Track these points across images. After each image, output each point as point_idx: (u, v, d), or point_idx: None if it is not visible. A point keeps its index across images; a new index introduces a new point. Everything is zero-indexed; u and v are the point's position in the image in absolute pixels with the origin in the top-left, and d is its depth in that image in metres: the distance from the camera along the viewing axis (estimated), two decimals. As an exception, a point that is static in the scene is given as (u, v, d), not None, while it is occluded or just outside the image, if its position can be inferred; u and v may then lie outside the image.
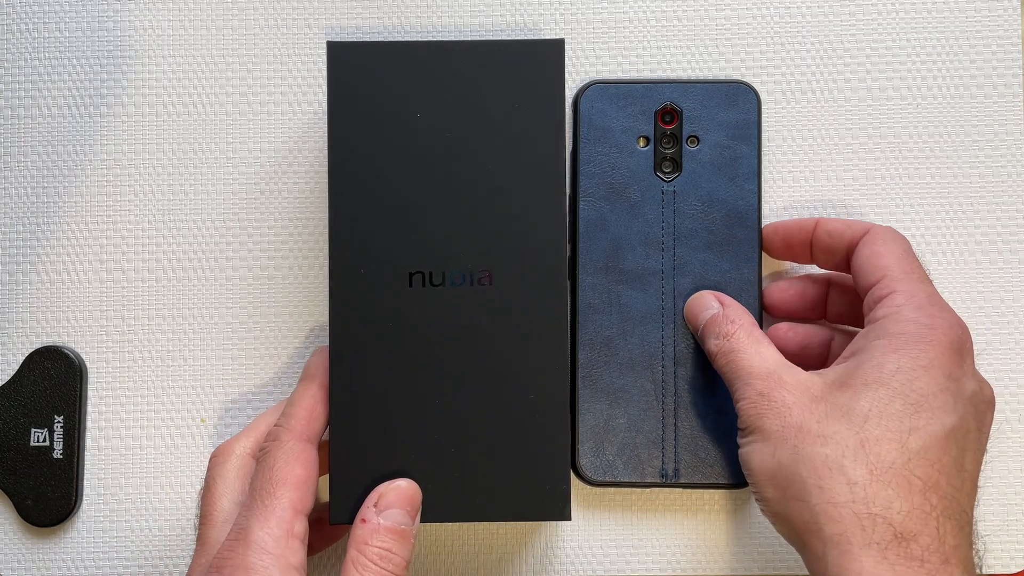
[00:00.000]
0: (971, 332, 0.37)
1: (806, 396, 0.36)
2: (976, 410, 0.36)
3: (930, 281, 0.38)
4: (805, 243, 0.42)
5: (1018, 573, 0.44)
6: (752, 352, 0.38)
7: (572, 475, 0.42)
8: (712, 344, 0.40)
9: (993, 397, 0.37)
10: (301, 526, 0.36)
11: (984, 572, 0.43)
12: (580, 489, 0.44)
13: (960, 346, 0.36)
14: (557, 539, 0.44)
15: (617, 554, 0.44)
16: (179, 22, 0.46)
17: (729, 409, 0.42)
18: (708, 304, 0.41)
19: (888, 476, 0.33)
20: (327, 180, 0.38)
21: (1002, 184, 0.45)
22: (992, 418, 0.37)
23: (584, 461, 0.42)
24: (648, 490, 0.44)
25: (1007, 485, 0.44)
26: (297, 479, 0.36)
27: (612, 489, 0.44)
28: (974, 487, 0.35)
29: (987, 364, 0.44)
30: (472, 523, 0.44)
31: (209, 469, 0.39)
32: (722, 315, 0.40)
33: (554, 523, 0.44)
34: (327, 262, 0.38)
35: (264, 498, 0.35)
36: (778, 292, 0.43)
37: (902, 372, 0.35)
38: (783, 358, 0.38)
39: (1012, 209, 0.45)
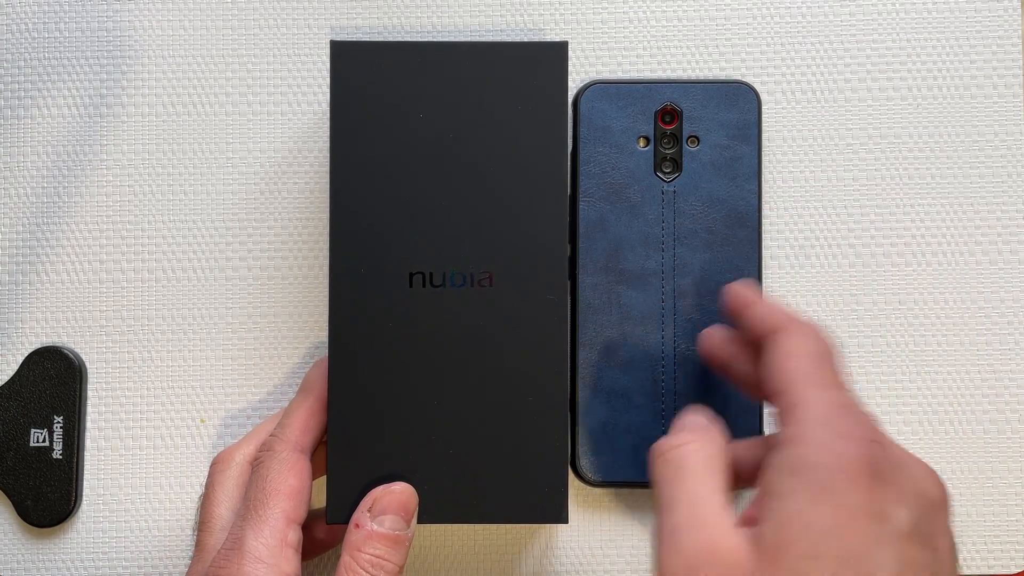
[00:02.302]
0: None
1: None
2: (917, 541, 0.29)
3: (844, 387, 0.32)
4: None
5: (1018, 574, 0.44)
6: (693, 502, 0.31)
7: (572, 476, 0.42)
8: (659, 449, 0.33)
9: (938, 496, 0.31)
10: (295, 535, 0.36)
11: (985, 572, 0.44)
12: (580, 489, 0.43)
13: (873, 467, 0.30)
14: (556, 540, 0.44)
15: (617, 555, 0.44)
16: (179, 22, 0.46)
17: (730, 410, 0.42)
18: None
19: None
20: (328, 180, 0.38)
21: (1002, 184, 0.45)
22: (946, 518, 0.31)
23: (584, 461, 0.42)
24: (648, 490, 0.44)
25: (1007, 485, 0.44)
26: (290, 489, 0.36)
27: (612, 489, 0.44)
28: None
29: (988, 364, 0.44)
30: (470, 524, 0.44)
31: (209, 476, 0.40)
32: (689, 422, 0.34)
33: (553, 524, 0.44)
34: (328, 262, 0.38)
35: (258, 508, 0.36)
36: (717, 344, 0.40)
37: (831, 534, 0.29)
38: (724, 516, 0.31)
39: (1012, 209, 0.45)
